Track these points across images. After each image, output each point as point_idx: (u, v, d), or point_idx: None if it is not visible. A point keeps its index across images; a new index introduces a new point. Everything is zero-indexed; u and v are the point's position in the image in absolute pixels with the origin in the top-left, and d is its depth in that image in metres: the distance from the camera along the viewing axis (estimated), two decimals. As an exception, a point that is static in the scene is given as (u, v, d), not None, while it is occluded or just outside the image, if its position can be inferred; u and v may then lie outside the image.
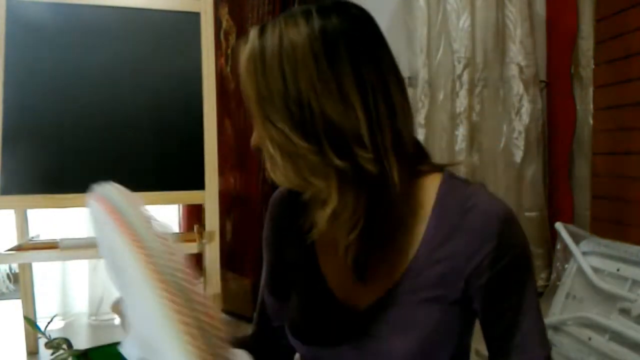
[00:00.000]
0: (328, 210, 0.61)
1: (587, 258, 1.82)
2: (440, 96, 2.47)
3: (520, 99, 2.54)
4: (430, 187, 0.63)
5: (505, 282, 0.60)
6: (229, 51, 2.32)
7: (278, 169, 0.60)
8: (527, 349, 0.62)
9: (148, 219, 0.51)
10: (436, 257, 0.61)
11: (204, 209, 1.73)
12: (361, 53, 0.57)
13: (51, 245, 1.72)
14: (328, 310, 0.67)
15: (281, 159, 0.58)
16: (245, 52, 0.58)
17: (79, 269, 2.24)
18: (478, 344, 0.68)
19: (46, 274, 2.18)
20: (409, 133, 0.61)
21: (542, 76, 2.64)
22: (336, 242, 0.66)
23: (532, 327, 0.62)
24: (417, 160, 0.64)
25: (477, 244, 0.59)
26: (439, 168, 0.65)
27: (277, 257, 0.78)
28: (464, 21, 2.46)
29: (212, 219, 1.72)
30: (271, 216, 0.79)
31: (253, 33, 0.59)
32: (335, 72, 0.55)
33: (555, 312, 1.87)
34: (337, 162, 0.56)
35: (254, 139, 0.62)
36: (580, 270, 1.82)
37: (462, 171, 2.48)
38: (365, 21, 0.59)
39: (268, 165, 0.62)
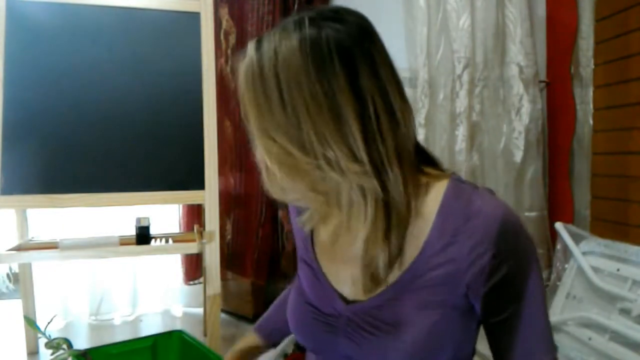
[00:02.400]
0: (330, 226, 0.64)
1: (587, 258, 1.82)
2: (440, 96, 2.47)
3: (520, 99, 2.53)
4: (437, 190, 0.62)
5: (508, 290, 0.59)
6: (229, 51, 2.32)
7: (276, 183, 0.61)
8: (531, 357, 0.61)
9: None
10: (438, 260, 0.60)
11: (204, 209, 1.73)
12: (358, 64, 0.55)
13: (51, 245, 1.72)
14: (327, 302, 0.68)
15: (280, 174, 0.59)
16: (243, 66, 0.58)
17: (79, 269, 2.24)
18: (477, 344, 0.68)
19: (46, 274, 2.18)
20: (412, 138, 0.60)
21: (542, 76, 2.64)
22: (334, 241, 0.68)
23: (537, 335, 0.61)
24: (422, 163, 0.64)
25: (480, 250, 0.58)
26: (448, 172, 0.65)
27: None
28: (464, 21, 2.46)
29: (212, 219, 1.72)
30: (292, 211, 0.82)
31: (250, 47, 0.58)
32: (328, 87, 0.54)
33: (555, 312, 1.87)
34: (337, 177, 0.56)
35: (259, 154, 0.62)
36: (580, 270, 1.82)
37: (462, 171, 2.48)
38: (361, 28, 0.57)
39: (265, 179, 0.62)
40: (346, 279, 0.67)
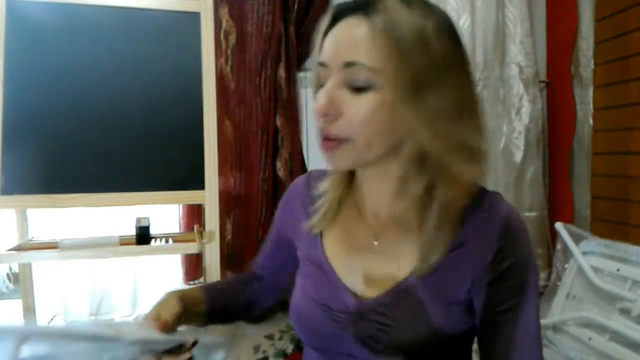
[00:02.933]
0: (346, 222, 0.67)
1: (587, 258, 1.82)
2: (440, 96, 2.47)
3: (520, 99, 2.53)
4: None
5: (505, 285, 0.61)
6: (229, 51, 2.32)
7: (353, 150, 0.61)
8: (529, 349, 0.62)
9: None
10: (447, 257, 0.62)
11: (204, 209, 1.73)
12: (463, 54, 0.62)
13: (51, 245, 1.72)
14: (336, 298, 0.68)
15: (373, 133, 0.60)
16: (413, 21, 0.58)
17: (79, 269, 2.24)
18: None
19: (46, 274, 2.18)
20: None
21: (542, 76, 2.64)
22: (345, 235, 0.69)
23: (525, 341, 0.62)
24: None
25: (486, 246, 0.61)
26: None
27: (283, 239, 0.83)
28: (464, 21, 2.46)
29: (212, 219, 1.72)
30: (290, 197, 0.83)
31: (411, 7, 0.58)
32: (460, 62, 0.61)
33: (555, 312, 1.87)
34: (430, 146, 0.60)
35: (335, 102, 0.60)
36: (580, 270, 1.82)
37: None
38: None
39: (339, 150, 0.62)
40: (358, 276, 0.68)
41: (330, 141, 0.61)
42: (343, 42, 0.59)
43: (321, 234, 0.74)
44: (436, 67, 0.57)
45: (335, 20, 0.62)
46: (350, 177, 0.74)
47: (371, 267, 0.67)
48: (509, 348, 0.61)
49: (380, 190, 0.68)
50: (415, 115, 0.58)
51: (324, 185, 0.75)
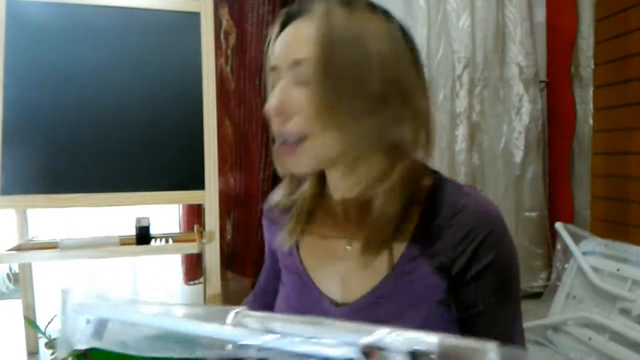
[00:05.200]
0: (320, 227, 0.65)
1: (587, 258, 1.82)
2: (440, 96, 2.47)
3: (520, 99, 2.53)
4: (421, 187, 0.64)
5: (486, 280, 0.59)
6: (229, 51, 2.32)
7: (310, 151, 0.60)
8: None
9: None
10: (424, 254, 0.61)
11: (204, 209, 1.73)
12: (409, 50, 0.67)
13: (51, 245, 1.72)
14: (316, 307, 0.67)
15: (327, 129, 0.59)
16: (350, 21, 0.60)
17: (79, 268, 2.25)
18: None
19: (46, 274, 2.18)
20: None
21: (542, 76, 2.64)
22: (321, 243, 0.69)
23: (507, 340, 0.60)
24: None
25: (467, 241, 0.59)
26: (430, 170, 0.66)
27: (272, 260, 0.81)
28: (464, 21, 2.46)
29: (212, 219, 1.72)
30: (265, 219, 0.82)
31: (332, 10, 0.60)
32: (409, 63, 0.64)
33: (555, 312, 1.87)
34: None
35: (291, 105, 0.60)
36: (580, 270, 1.82)
37: (462, 171, 2.48)
38: None
39: (297, 151, 0.60)
40: (336, 282, 0.66)
41: (287, 146, 0.60)
42: (290, 43, 0.61)
43: (297, 243, 0.72)
44: (379, 58, 0.59)
45: (283, 26, 0.63)
46: (321, 183, 0.71)
47: (348, 273, 0.65)
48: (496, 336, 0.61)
49: (348, 193, 0.66)
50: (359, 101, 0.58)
51: (290, 196, 0.73)
